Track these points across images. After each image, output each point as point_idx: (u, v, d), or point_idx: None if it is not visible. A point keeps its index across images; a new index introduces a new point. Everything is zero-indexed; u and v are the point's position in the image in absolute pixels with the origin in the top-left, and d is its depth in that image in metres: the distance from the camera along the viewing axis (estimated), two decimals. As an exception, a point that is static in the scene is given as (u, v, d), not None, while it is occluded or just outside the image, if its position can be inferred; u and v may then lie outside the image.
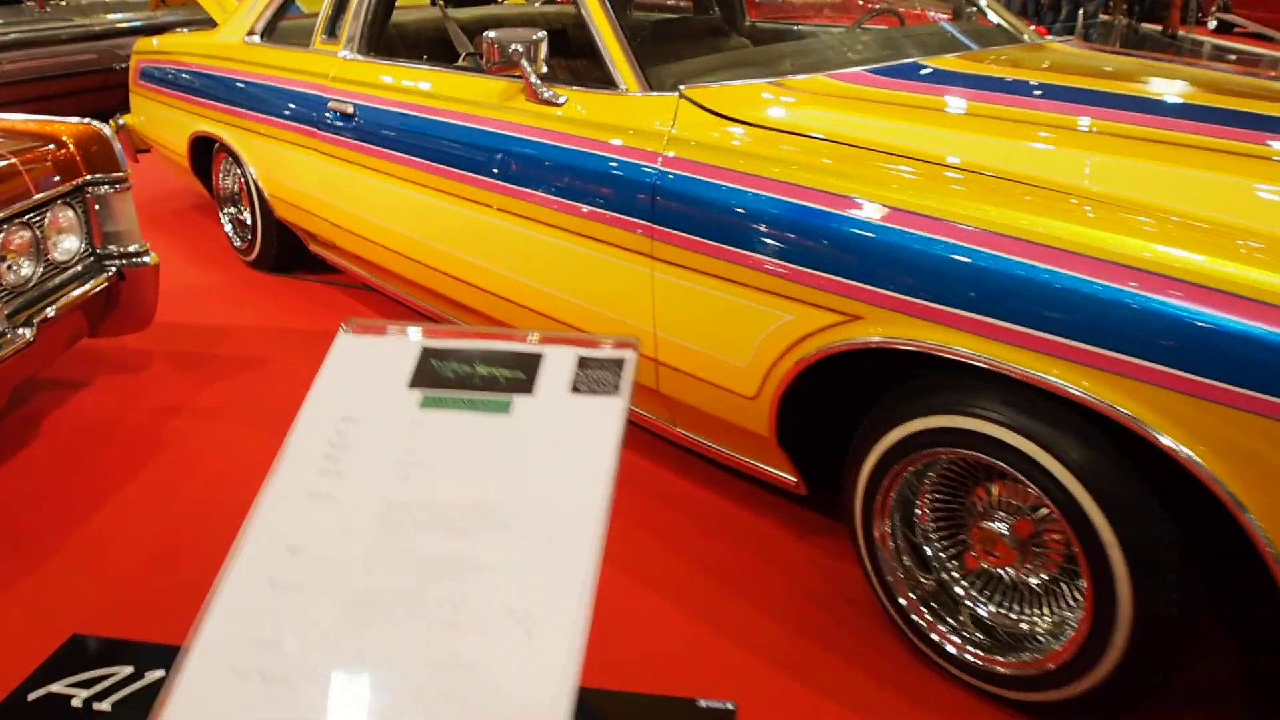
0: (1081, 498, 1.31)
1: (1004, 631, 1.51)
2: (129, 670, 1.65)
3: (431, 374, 0.96)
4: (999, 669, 1.48)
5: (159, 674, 1.64)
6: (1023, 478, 1.37)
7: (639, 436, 2.20)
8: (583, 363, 0.95)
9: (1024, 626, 1.49)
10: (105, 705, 1.58)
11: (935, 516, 1.59)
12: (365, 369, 0.98)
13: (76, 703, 1.58)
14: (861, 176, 1.53)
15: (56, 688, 1.62)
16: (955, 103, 1.81)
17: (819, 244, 1.52)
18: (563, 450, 0.87)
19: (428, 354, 0.98)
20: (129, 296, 2.47)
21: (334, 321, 3.10)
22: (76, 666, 1.66)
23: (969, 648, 1.51)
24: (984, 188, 1.42)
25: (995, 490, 1.49)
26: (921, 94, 1.88)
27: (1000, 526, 1.48)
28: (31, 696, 1.60)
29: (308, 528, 0.85)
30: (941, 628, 1.55)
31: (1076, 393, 1.26)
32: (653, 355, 1.90)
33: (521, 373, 0.96)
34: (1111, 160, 1.50)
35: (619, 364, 0.95)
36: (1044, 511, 1.43)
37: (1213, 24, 9.37)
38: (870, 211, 1.47)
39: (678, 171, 1.75)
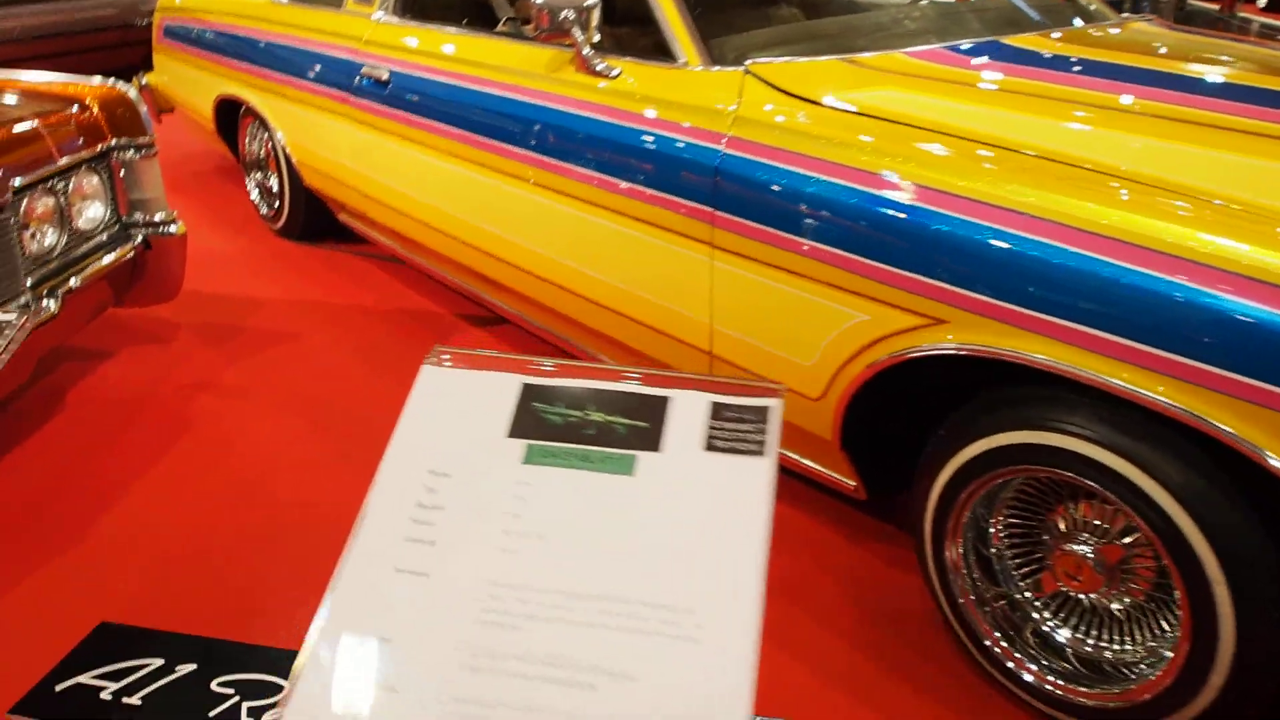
0: (1185, 525, 1.21)
1: (1084, 659, 1.42)
2: (159, 662, 1.59)
3: (535, 420, 0.83)
4: (1080, 700, 1.39)
5: (190, 667, 1.58)
6: (1121, 503, 1.27)
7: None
8: (717, 411, 0.82)
9: (1107, 655, 1.40)
10: (135, 699, 1.52)
11: (1011, 536, 1.49)
12: (456, 411, 0.85)
13: (106, 695, 1.52)
14: (952, 167, 1.40)
15: (85, 679, 1.56)
16: (1051, 88, 1.67)
17: (902, 239, 1.41)
18: (701, 525, 0.73)
19: (529, 394, 0.85)
20: (155, 267, 2.39)
21: (364, 296, 3.02)
22: (105, 657, 1.60)
23: (1048, 676, 1.42)
24: (1089, 183, 1.30)
25: (1080, 511, 1.39)
26: (1013, 76, 1.73)
27: (1085, 550, 1.38)
28: (59, 687, 1.54)
29: (396, 611, 0.72)
30: (1017, 654, 1.46)
31: (1178, 409, 1.16)
32: (707, 348, 1.80)
33: (644, 422, 0.82)
34: (1235, 159, 1.37)
35: (761, 414, 0.81)
36: (1133, 536, 1.33)
37: (1263, 1, 9.01)
38: (963, 206, 1.36)
39: (743, 154, 1.63)
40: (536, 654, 0.68)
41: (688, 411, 0.83)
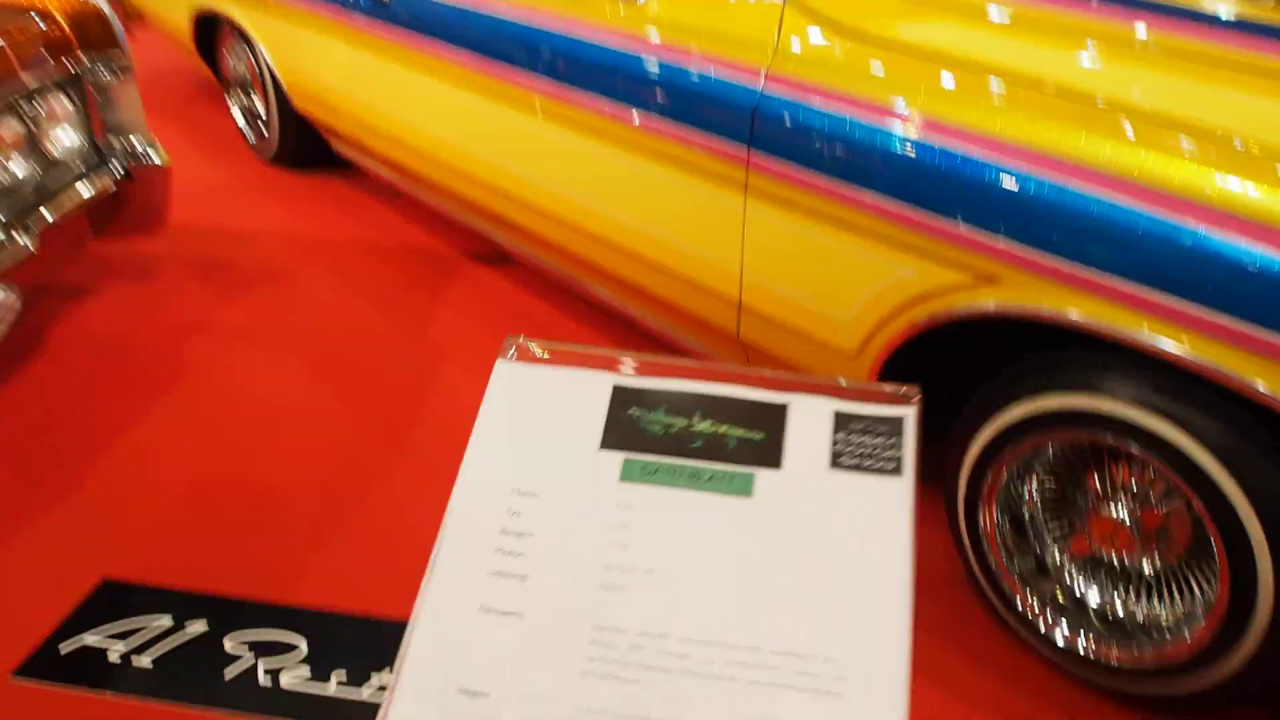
0: (1230, 490, 1.17)
1: (1116, 621, 1.39)
2: (167, 620, 1.53)
3: (631, 429, 0.71)
4: (1113, 661, 1.37)
5: (200, 626, 1.52)
6: (1165, 468, 1.23)
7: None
8: (842, 422, 0.72)
9: (1139, 617, 1.37)
10: (145, 661, 1.46)
11: (1045, 498, 1.45)
12: (538, 416, 0.74)
13: (114, 657, 1.47)
14: (1014, 112, 1.30)
15: (90, 639, 1.50)
16: (1126, 28, 1.53)
17: (956, 189, 1.31)
18: (836, 558, 0.64)
19: (622, 397, 0.73)
20: (138, 199, 2.24)
21: (362, 230, 2.88)
22: (109, 615, 1.54)
23: (1080, 638, 1.40)
24: (1171, 137, 1.20)
25: (1119, 474, 1.35)
26: (1084, 14, 1.59)
27: (1121, 512, 1.35)
28: (65, 649, 1.48)
29: (487, 660, 0.63)
30: (1050, 617, 1.43)
31: (1222, 371, 1.11)
32: (735, 297, 1.71)
33: (761, 432, 0.70)
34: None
35: (895, 426, 0.71)
36: (1171, 498, 1.30)
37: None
38: (1027, 157, 1.25)
39: (784, 91, 1.51)
40: (653, 711, 0.60)
41: (809, 421, 0.72)
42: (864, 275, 1.46)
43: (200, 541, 1.69)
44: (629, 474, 0.71)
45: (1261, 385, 1.08)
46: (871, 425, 0.72)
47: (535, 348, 0.78)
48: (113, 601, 1.57)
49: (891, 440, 0.72)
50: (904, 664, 0.60)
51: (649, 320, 2.03)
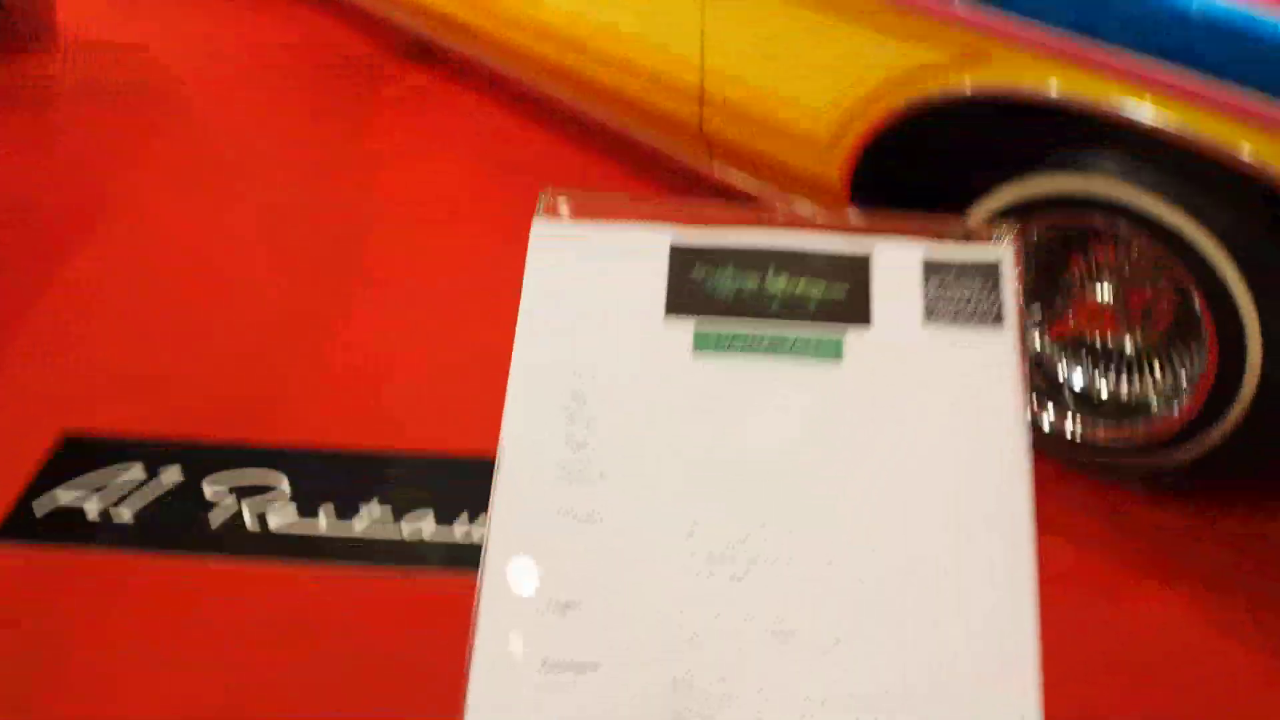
0: (1220, 264, 1.15)
1: (1101, 403, 1.41)
2: (139, 471, 1.50)
3: (697, 292, 0.62)
4: (1101, 441, 1.39)
5: (175, 474, 1.49)
6: (1155, 246, 1.21)
7: (668, 179, 1.90)
8: (931, 269, 0.62)
9: (1123, 396, 1.39)
10: (125, 514, 1.44)
11: (1027, 285, 1.41)
12: (589, 283, 0.64)
13: (92, 513, 1.44)
14: None
15: (64, 497, 1.46)
16: None
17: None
18: (940, 421, 0.58)
19: (684, 255, 0.63)
20: (18, 11, 1.96)
21: (274, 33, 2.56)
22: (77, 470, 1.50)
23: (1066, 422, 1.42)
24: None
25: (1105, 255, 1.33)
26: None
27: (1105, 293, 1.34)
28: (39, 509, 1.45)
29: (575, 568, 0.57)
30: (1034, 402, 1.45)
31: (1209, 141, 1.06)
32: (697, 88, 1.57)
33: (844, 287, 0.62)
34: None
35: (991, 269, 0.62)
36: (1161, 279, 1.29)
37: None
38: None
39: None
40: (766, 613, 0.54)
41: (895, 270, 0.63)
42: (837, 55, 1.34)
43: (157, 388, 1.62)
44: (703, 344, 0.63)
45: (1247, 152, 1.04)
46: (965, 271, 0.64)
47: (573, 199, 0.66)
48: (78, 456, 1.52)
49: (989, 286, 0.64)
50: (1028, 517, 0.56)
51: (608, 119, 1.88)
